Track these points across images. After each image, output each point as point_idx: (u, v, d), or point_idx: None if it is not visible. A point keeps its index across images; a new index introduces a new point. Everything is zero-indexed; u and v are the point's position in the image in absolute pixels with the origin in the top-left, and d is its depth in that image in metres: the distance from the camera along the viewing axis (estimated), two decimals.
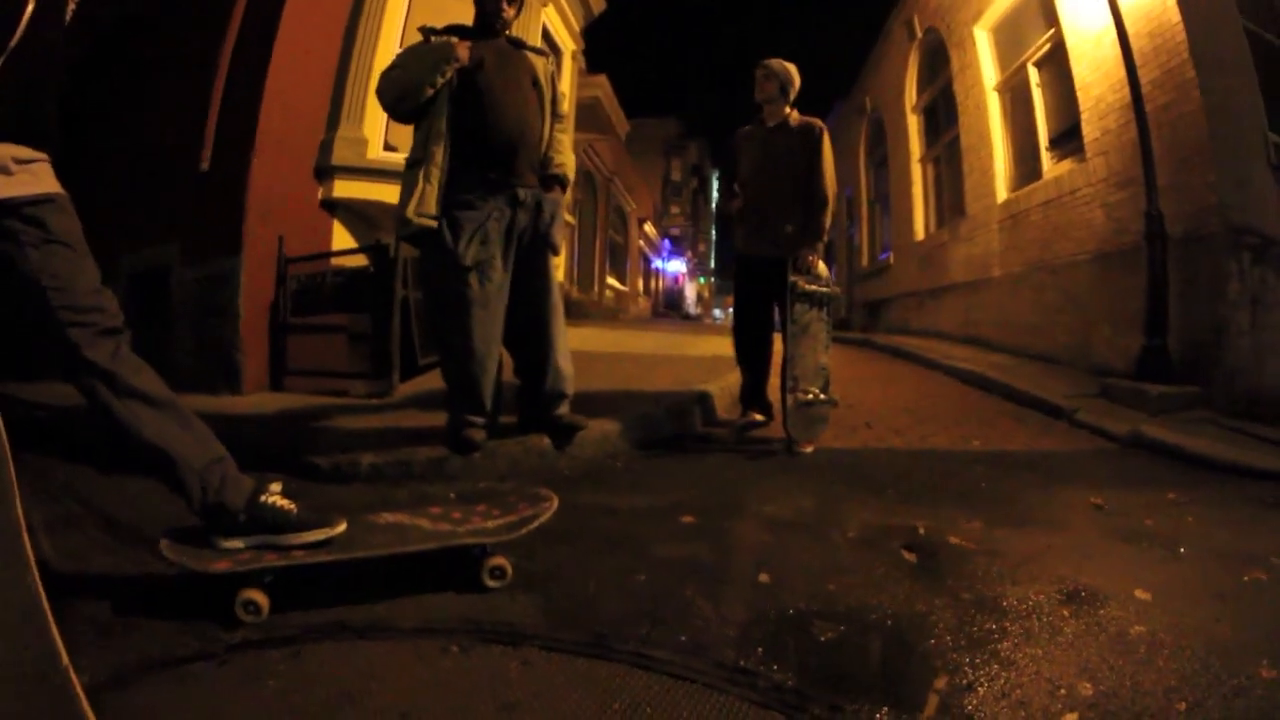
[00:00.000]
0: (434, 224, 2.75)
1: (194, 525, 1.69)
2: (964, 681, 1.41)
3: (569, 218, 9.25)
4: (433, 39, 2.89)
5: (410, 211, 2.74)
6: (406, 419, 3.48)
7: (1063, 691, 1.38)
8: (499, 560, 1.79)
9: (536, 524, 1.89)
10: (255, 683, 1.34)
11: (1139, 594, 1.85)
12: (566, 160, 3.11)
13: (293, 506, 1.71)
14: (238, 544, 1.66)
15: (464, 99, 2.83)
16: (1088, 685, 1.41)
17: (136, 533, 2.09)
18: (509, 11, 2.97)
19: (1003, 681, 1.42)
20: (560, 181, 3.05)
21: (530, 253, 2.94)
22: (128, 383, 1.60)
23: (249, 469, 1.78)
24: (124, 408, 1.60)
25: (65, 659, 0.97)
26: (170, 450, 1.64)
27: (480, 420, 2.91)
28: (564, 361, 3.04)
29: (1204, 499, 2.84)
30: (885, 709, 1.31)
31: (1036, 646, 1.57)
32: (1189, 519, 2.58)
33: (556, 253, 3.04)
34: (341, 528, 1.73)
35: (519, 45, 3.09)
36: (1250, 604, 1.87)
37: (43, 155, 1.52)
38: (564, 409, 3.06)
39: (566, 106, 3.18)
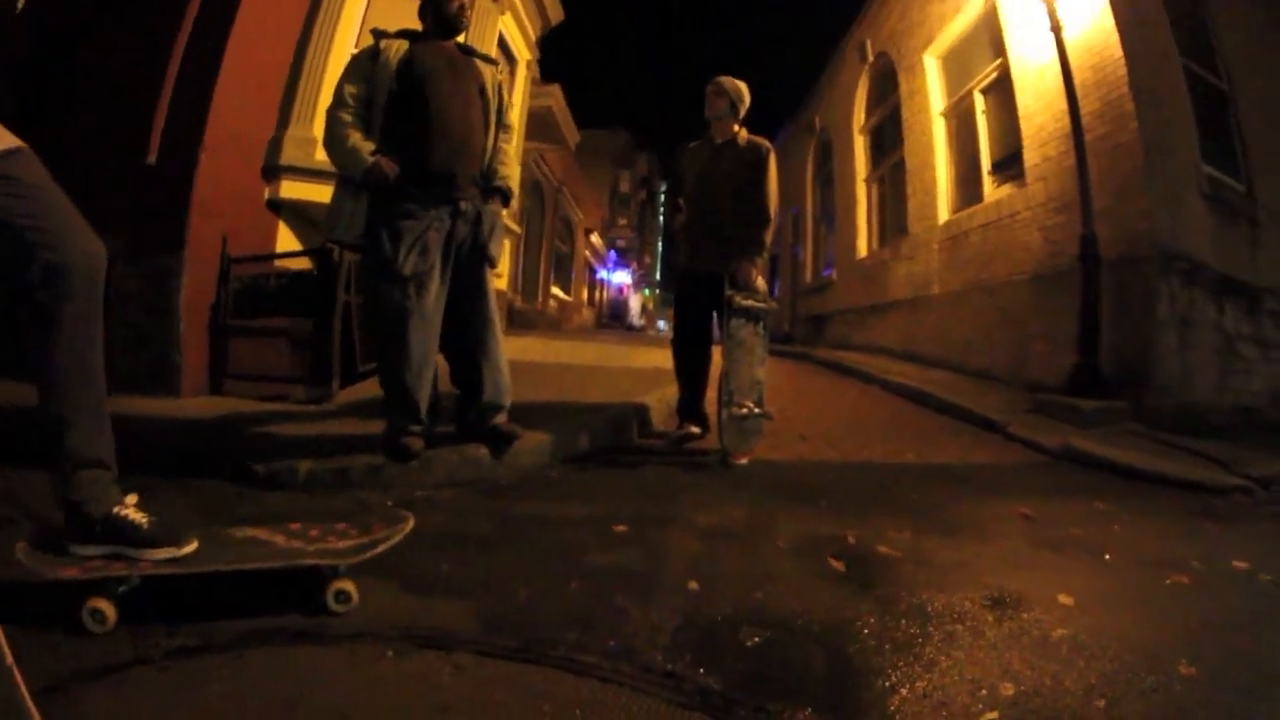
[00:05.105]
0: (355, 244, 2.85)
1: (56, 529, 1.62)
2: (887, 684, 1.43)
3: (515, 226, 9.16)
4: (382, 43, 2.88)
5: (336, 233, 2.85)
6: (345, 426, 3.40)
7: (984, 691, 1.41)
8: (344, 584, 1.66)
9: (385, 546, 1.78)
10: (195, 689, 1.29)
11: (1063, 599, 1.90)
12: (511, 172, 3.08)
13: (144, 520, 1.63)
14: (92, 550, 1.59)
15: (410, 106, 2.81)
16: (1009, 685, 1.43)
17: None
18: (469, 16, 2.98)
19: (925, 683, 1.43)
20: (503, 194, 3.02)
21: (469, 264, 2.92)
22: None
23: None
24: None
25: (9, 659, 0.97)
26: (73, 422, 1.57)
27: (418, 429, 2.87)
28: (501, 372, 3.02)
29: (1131, 508, 2.94)
30: (809, 710, 1.31)
31: (960, 650, 1.59)
32: (1115, 528, 2.66)
33: (494, 265, 3.01)
34: (191, 548, 1.65)
35: (469, 53, 3.07)
36: (1171, 607, 1.93)
37: None
38: (501, 418, 3.05)
39: (515, 117, 3.18)
